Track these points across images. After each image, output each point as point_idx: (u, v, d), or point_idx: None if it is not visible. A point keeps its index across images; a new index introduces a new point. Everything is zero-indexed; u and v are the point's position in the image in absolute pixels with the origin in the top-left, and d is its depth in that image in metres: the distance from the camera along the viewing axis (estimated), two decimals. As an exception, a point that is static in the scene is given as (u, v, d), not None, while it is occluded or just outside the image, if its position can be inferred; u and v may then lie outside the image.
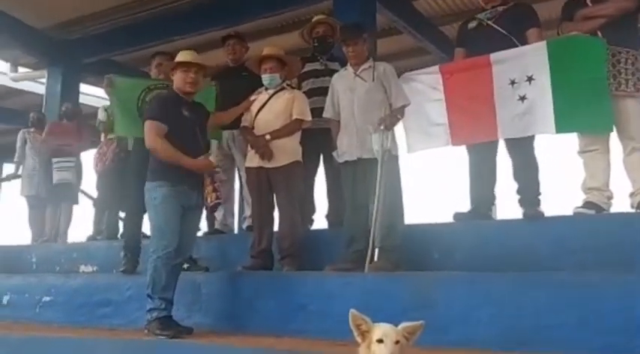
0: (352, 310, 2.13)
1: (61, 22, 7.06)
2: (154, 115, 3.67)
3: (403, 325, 2.09)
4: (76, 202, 6.63)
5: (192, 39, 6.79)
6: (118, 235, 5.79)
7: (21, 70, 8.65)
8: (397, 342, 2.04)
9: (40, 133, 6.64)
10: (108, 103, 5.98)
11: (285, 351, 3.09)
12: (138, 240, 4.44)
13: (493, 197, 4.15)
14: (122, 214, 6.02)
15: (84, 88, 8.22)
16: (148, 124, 3.66)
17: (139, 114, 4.24)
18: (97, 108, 6.24)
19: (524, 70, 3.75)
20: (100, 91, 7.82)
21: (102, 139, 5.99)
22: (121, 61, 7.69)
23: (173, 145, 3.60)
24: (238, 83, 4.77)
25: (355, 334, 2.13)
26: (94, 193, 6.30)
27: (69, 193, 6.44)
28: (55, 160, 6.37)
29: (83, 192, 6.86)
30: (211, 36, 6.75)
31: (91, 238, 6.02)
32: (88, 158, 6.36)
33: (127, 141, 5.62)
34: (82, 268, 5.48)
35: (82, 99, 8.02)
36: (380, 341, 2.05)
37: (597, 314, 2.74)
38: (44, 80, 7.92)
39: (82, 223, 6.55)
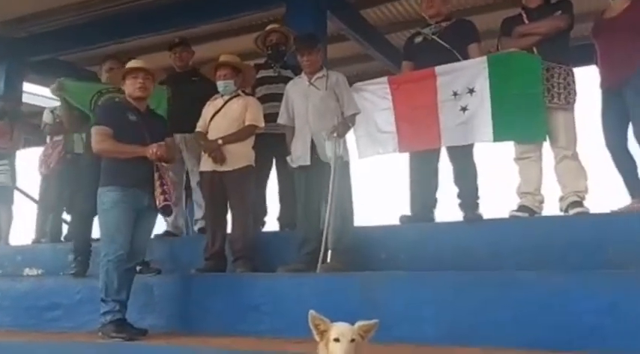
0: (311, 311, 2.26)
1: (6, 20, 6.85)
2: (97, 121, 3.82)
3: (359, 324, 2.23)
4: (12, 202, 6.44)
5: (143, 41, 6.76)
6: (62, 238, 5.75)
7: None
8: (352, 340, 2.18)
9: None
10: (54, 104, 5.95)
11: (239, 350, 3.18)
12: (88, 243, 4.43)
13: (435, 201, 4.37)
14: (66, 217, 6.01)
15: (28, 87, 7.99)
16: (93, 130, 3.79)
17: (92, 116, 4.26)
18: (42, 107, 6.10)
19: (466, 82, 4.00)
20: (45, 91, 7.62)
21: (47, 140, 5.90)
22: (67, 61, 7.54)
23: None
24: (189, 88, 4.85)
25: (314, 333, 2.26)
26: (36, 195, 6.18)
27: (5, 194, 6.24)
28: None
29: (24, 193, 6.69)
30: (163, 38, 6.75)
31: (35, 241, 5.90)
32: (29, 158, 6.22)
33: (73, 143, 5.58)
34: (27, 271, 5.38)
35: (26, 98, 7.80)
36: (336, 340, 2.18)
37: (530, 311, 2.96)
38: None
39: (23, 226, 6.40)
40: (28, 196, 6.73)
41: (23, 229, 6.37)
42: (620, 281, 2.92)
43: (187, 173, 5.16)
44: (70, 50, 7.10)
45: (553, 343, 2.84)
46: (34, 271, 5.37)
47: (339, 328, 2.20)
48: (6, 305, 4.51)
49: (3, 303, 4.53)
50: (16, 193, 6.61)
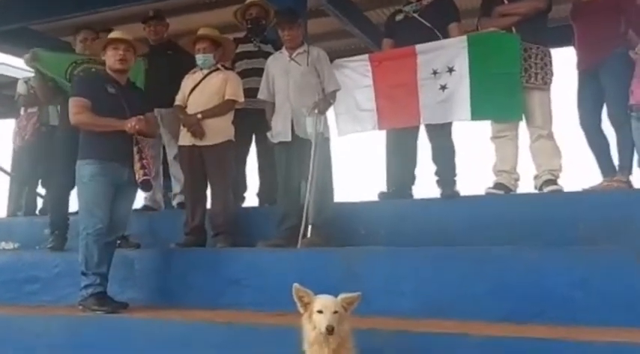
0: (295, 284, 2.32)
1: (-27, -14, 6.63)
2: (75, 93, 3.74)
3: (342, 296, 2.30)
4: None
5: (117, 11, 6.61)
6: (37, 211, 5.69)
7: None
8: (335, 312, 2.25)
9: None
10: (28, 75, 5.81)
11: (221, 323, 3.22)
12: (65, 216, 4.40)
13: (413, 178, 4.45)
14: (41, 190, 5.93)
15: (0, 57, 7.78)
16: (70, 101, 3.72)
17: (69, 87, 4.18)
18: (15, 78, 5.97)
19: (446, 61, 4.05)
20: (17, 61, 7.41)
21: (21, 112, 5.79)
22: (39, 30, 7.33)
23: None
24: (163, 62, 4.77)
25: (298, 305, 2.32)
26: (9, 168, 6.09)
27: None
28: None
29: (-3, 166, 6.57)
30: (139, 9, 6.61)
31: (10, 215, 5.83)
32: (1, 131, 6.11)
33: (48, 115, 5.49)
34: (3, 245, 5.31)
35: (-1, 69, 7.62)
36: (320, 312, 2.25)
37: (505, 284, 3.06)
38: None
39: (-1, 199, 6.30)
40: (2, 169, 6.60)
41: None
42: (591, 257, 3.03)
43: (164, 147, 5.13)
44: (42, 19, 6.90)
45: (526, 316, 2.95)
46: (10, 245, 5.31)
47: (323, 301, 2.27)
48: (-18, 279, 4.48)
49: (-21, 277, 4.49)
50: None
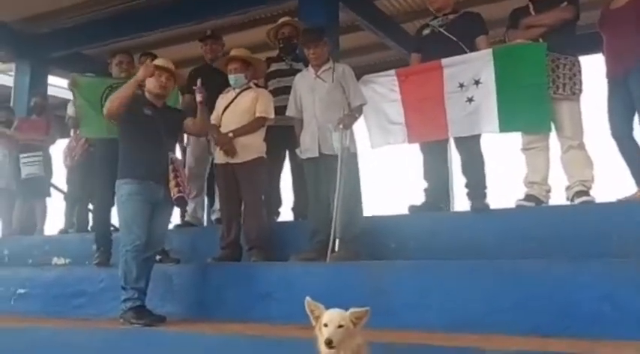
0: (307, 298, 2.39)
1: (30, 16, 7.08)
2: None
3: (351, 310, 2.35)
4: (49, 195, 6.72)
5: (160, 34, 6.93)
6: (89, 228, 5.98)
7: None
8: (341, 326, 2.29)
9: (8, 127, 6.68)
10: (77, 97, 6.15)
11: (251, 336, 3.32)
12: (108, 233, 4.63)
13: (445, 191, 4.45)
14: (92, 208, 6.23)
15: (53, 79, 8.24)
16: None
17: (102, 112, 4.39)
18: (67, 99, 6.31)
19: (472, 74, 4.05)
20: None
21: (71, 133, 6.12)
22: (89, 54, 7.75)
23: (133, 140, 3.83)
24: (218, 80, 4.94)
25: (311, 318, 2.39)
26: (65, 187, 6.43)
27: (39, 187, 6.51)
28: (22, 155, 6.43)
29: (54, 186, 6.95)
30: (180, 31, 6.92)
31: (63, 231, 6.16)
32: (59, 152, 6.47)
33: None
34: (55, 260, 5.61)
35: (51, 90, 8.04)
36: (325, 325, 2.30)
37: (531, 298, 3.03)
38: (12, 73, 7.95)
39: (54, 217, 6.67)
40: (56, 187, 6.98)
41: (54, 220, 6.67)
42: (619, 270, 2.97)
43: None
44: (91, 44, 7.32)
45: (553, 330, 2.91)
46: (62, 260, 5.61)
47: (329, 314, 2.32)
48: (35, 293, 4.73)
49: (32, 291, 4.75)
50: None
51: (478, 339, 2.89)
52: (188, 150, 5.27)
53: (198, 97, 4.06)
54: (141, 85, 4.08)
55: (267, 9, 6.53)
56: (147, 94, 3.99)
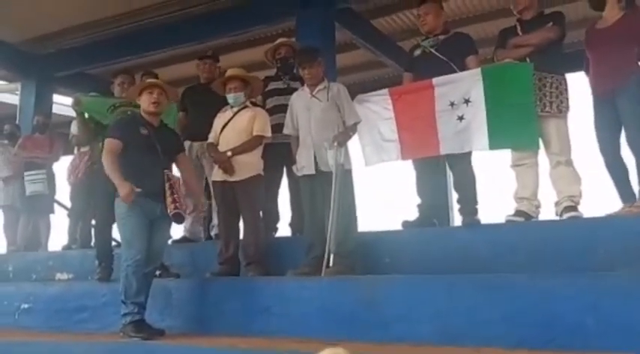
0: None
1: (35, 37, 7.27)
2: (110, 135, 4.05)
3: None
4: (52, 212, 6.85)
5: (162, 54, 7.10)
6: (92, 244, 6.08)
7: (-5, 82, 8.82)
8: None
9: (13, 145, 6.83)
10: (82, 116, 6.30)
11: (247, 349, 3.41)
12: (109, 249, 4.72)
13: (440, 207, 4.55)
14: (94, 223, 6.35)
15: (58, 98, 8.42)
16: (105, 142, 4.04)
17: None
18: (71, 117, 6.46)
19: (462, 93, 4.17)
20: (73, 102, 8.00)
21: (75, 151, 6.25)
22: (94, 74, 7.93)
23: (129, 160, 3.91)
24: (212, 99, 5.08)
25: None
26: (69, 203, 6.55)
27: (43, 204, 6.64)
28: (26, 173, 6.57)
29: (58, 202, 7.07)
30: (180, 51, 7.09)
31: (66, 247, 6.25)
32: (62, 169, 6.60)
33: (99, 153, 5.89)
34: (58, 275, 5.71)
35: (56, 109, 8.22)
36: None
37: (518, 311, 3.10)
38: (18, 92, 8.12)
39: (57, 233, 6.79)
40: (60, 204, 7.11)
41: (57, 236, 6.79)
42: (603, 283, 3.05)
43: (206, 179, 5.43)
44: (95, 64, 7.50)
45: (538, 342, 2.98)
46: (65, 276, 5.71)
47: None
48: (39, 308, 4.83)
49: (35, 306, 4.85)
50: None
51: (466, 352, 2.98)
52: None
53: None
54: (137, 105, 4.20)
55: (266, 29, 6.68)
56: (143, 114, 4.10)
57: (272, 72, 5.37)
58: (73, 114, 7.22)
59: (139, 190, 3.81)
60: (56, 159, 6.85)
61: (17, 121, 7.65)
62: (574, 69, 4.47)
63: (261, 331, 3.80)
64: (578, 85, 4.36)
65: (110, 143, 3.97)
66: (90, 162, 5.86)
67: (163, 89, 4.12)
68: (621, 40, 3.95)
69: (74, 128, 6.08)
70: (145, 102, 4.07)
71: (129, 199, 3.79)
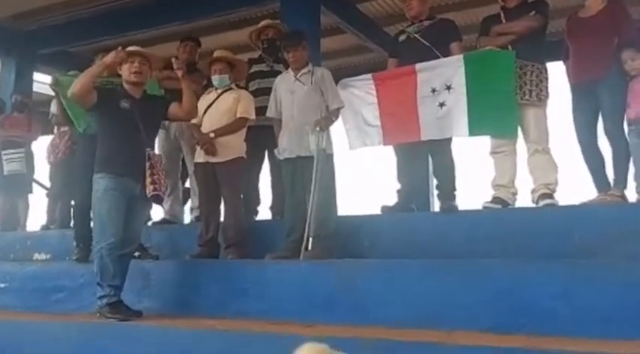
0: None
1: (16, 14, 7.12)
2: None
3: None
4: (31, 192, 6.76)
5: (146, 34, 7.00)
6: (71, 224, 6.04)
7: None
8: None
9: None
10: (61, 95, 6.21)
11: (224, 330, 3.42)
12: (87, 230, 4.64)
13: (419, 192, 4.58)
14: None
15: (39, 76, 8.27)
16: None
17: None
18: (52, 96, 6.36)
19: (444, 79, 4.18)
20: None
21: (55, 130, 6.18)
22: (75, 52, 7.80)
23: (110, 135, 3.81)
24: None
25: None
26: (48, 184, 6.49)
27: (21, 183, 6.54)
28: (4, 152, 6.47)
29: (36, 182, 6.99)
30: (164, 31, 7.00)
31: (44, 227, 6.21)
32: (41, 149, 6.53)
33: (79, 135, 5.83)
34: (36, 255, 5.66)
35: (36, 87, 8.07)
36: None
37: (491, 296, 3.15)
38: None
39: (36, 213, 6.73)
40: (39, 183, 7.03)
41: (36, 216, 6.73)
42: (576, 270, 3.11)
43: (183, 161, 5.41)
44: (77, 43, 7.37)
45: (511, 327, 3.03)
46: (43, 256, 5.66)
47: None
48: (15, 287, 4.79)
49: (12, 285, 4.82)
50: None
51: (440, 334, 3.01)
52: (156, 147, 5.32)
53: (179, 72, 3.96)
54: (120, 83, 4.05)
55: (249, 11, 6.61)
56: (125, 85, 3.94)
57: (255, 54, 5.33)
58: (52, 93, 7.18)
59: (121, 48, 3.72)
60: (35, 138, 6.75)
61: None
62: (555, 58, 4.49)
63: (240, 314, 3.81)
64: (558, 73, 4.38)
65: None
66: (70, 142, 5.81)
67: (145, 57, 3.97)
68: (604, 30, 3.98)
69: (54, 107, 6.01)
70: (126, 71, 3.89)
71: (121, 54, 3.74)
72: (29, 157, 6.63)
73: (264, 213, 5.24)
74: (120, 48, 3.81)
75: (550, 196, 3.98)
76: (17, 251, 5.82)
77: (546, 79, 4.11)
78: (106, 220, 3.74)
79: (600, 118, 4.03)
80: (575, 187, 4.55)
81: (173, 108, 4.04)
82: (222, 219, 4.53)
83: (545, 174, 4.04)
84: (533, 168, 4.10)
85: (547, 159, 4.07)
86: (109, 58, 3.80)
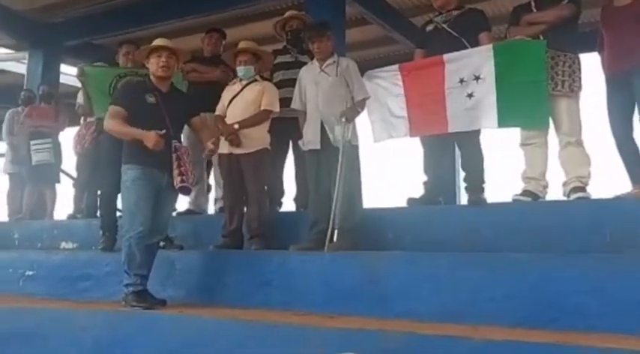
0: None
1: (43, 6, 7.22)
2: (113, 101, 3.96)
3: None
4: (58, 181, 6.87)
5: (170, 25, 7.02)
6: (97, 214, 6.10)
7: (3, 51, 8.77)
8: None
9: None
10: (88, 86, 6.27)
11: (247, 320, 3.41)
12: (114, 219, 4.71)
13: (446, 185, 4.51)
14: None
15: (65, 68, 8.38)
16: (109, 109, 3.93)
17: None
18: (78, 87, 6.44)
19: (473, 69, 4.09)
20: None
21: (81, 121, 6.24)
22: (101, 44, 7.87)
23: (137, 127, 3.78)
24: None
25: None
26: (74, 174, 6.57)
27: (49, 173, 6.65)
28: (32, 142, 6.56)
29: (64, 172, 7.09)
30: (188, 23, 7.02)
31: (71, 217, 6.29)
32: (68, 139, 6.61)
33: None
34: (63, 244, 5.75)
35: (63, 79, 8.18)
36: None
37: (520, 290, 3.08)
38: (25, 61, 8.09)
39: (63, 202, 6.82)
40: (66, 173, 7.12)
41: (63, 205, 6.83)
42: (607, 264, 3.02)
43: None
44: (103, 35, 7.45)
45: (540, 322, 2.96)
46: (70, 245, 5.74)
47: None
48: (42, 275, 4.85)
49: (40, 273, 4.87)
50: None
51: (466, 329, 2.95)
52: (183, 137, 5.33)
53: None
54: (145, 74, 4.10)
55: (274, 2, 6.59)
56: (152, 78, 3.97)
57: (279, 46, 5.30)
58: (79, 84, 7.26)
59: (163, 131, 3.72)
60: (62, 129, 6.85)
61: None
62: (588, 49, 4.36)
63: (263, 304, 3.80)
64: (591, 65, 4.26)
65: (113, 110, 3.87)
66: (96, 132, 5.84)
67: (173, 51, 3.98)
68: (638, 19, 3.85)
69: (80, 98, 6.07)
70: (153, 65, 3.92)
71: (159, 146, 3.69)
72: (57, 147, 6.73)
73: (288, 205, 5.22)
74: (163, 131, 3.75)
75: (582, 189, 3.89)
76: (44, 240, 5.91)
77: (579, 69, 4.00)
78: (135, 209, 3.77)
79: (636, 110, 3.90)
80: (608, 181, 4.43)
81: (195, 122, 4.13)
82: (245, 210, 4.52)
83: (577, 167, 3.94)
84: (564, 161, 4.00)
85: (580, 151, 3.97)
86: (150, 142, 3.69)
